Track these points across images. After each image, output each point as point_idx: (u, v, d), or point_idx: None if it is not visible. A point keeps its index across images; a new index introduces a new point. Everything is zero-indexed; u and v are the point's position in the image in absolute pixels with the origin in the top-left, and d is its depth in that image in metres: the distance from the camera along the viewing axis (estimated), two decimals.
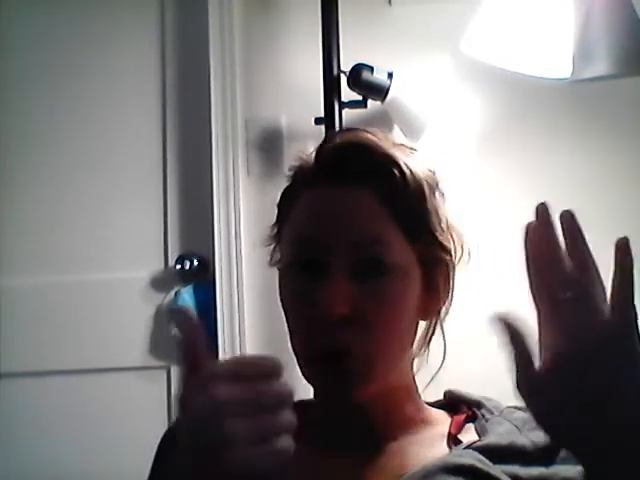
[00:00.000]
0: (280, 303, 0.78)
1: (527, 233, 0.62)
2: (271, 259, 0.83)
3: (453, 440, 0.75)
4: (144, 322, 1.60)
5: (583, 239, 0.60)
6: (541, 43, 1.26)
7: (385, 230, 0.74)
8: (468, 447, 0.72)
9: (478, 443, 0.72)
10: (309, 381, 0.76)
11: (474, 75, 1.46)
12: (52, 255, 1.65)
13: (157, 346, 1.59)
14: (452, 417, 0.80)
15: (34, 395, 1.60)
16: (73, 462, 1.56)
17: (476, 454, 0.70)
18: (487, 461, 0.69)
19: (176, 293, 1.57)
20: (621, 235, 1.55)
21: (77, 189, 1.67)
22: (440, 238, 0.77)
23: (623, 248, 0.58)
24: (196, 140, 1.63)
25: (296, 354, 0.76)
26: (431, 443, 0.76)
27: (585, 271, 0.59)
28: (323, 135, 1.43)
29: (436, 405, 0.84)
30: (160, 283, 1.62)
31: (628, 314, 0.57)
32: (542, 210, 0.62)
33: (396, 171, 0.75)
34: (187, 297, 1.56)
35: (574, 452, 0.60)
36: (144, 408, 1.56)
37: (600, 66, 1.18)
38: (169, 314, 1.55)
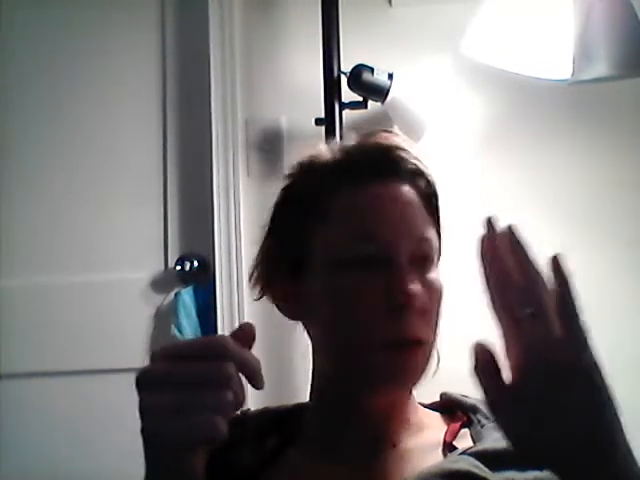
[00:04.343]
0: (324, 298, 0.76)
1: (480, 247, 0.61)
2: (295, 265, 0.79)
3: (448, 448, 0.75)
4: (144, 323, 1.60)
5: (527, 254, 0.59)
6: (541, 44, 1.26)
7: (429, 225, 0.77)
8: (463, 453, 0.71)
9: (473, 448, 0.72)
10: (366, 371, 0.73)
11: (474, 76, 1.46)
12: (52, 256, 1.65)
13: (157, 347, 1.58)
14: (447, 423, 0.80)
15: (34, 396, 1.60)
16: (73, 463, 1.56)
17: (472, 459, 0.69)
18: (483, 466, 0.68)
19: (176, 294, 1.57)
20: (621, 235, 1.54)
21: (77, 190, 1.67)
22: (441, 233, 0.81)
23: (557, 266, 0.58)
24: (196, 141, 1.63)
25: (353, 344, 0.73)
26: (428, 450, 0.75)
27: (534, 287, 0.58)
28: (323, 136, 1.43)
29: (432, 407, 0.84)
30: (160, 284, 1.61)
31: (577, 331, 0.57)
32: (489, 224, 0.61)
33: (426, 171, 0.79)
34: (187, 298, 1.56)
35: (545, 466, 0.59)
36: None
37: (600, 67, 1.18)
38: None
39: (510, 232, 0.60)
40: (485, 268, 0.61)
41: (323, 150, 0.81)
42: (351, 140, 0.81)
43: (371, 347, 0.72)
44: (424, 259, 0.75)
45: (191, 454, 0.57)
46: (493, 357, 0.60)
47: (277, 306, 0.84)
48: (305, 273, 0.78)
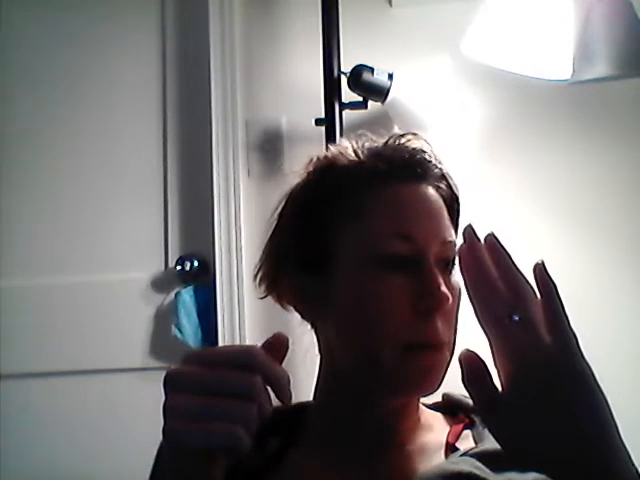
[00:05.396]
0: (350, 296, 0.74)
1: (460, 257, 0.61)
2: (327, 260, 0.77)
3: (451, 449, 0.75)
4: (144, 323, 1.60)
5: (509, 261, 0.59)
6: (541, 44, 1.27)
7: (452, 229, 0.77)
8: (465, 454, 0.71)
9: (475, 449, 0.71)
10: (390, 371, 0.72)
11: (474, 76, 1.47)
12: (53, 256, 1.65)
13: (157, 347, 1.59)
14: (450, 425, 0.80)
15: (34, 396, 1.60)
16: (73, 463, 1.56)
17: (473, 461, 0.69)
18: (484, 468, 0.68)
19: (176, 294, 1.57)
20: (622, 234, 1.53)
21: (78, 190, 1.67)
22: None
23: (541, 274, 0.58)
24: (196, 141, 1.63)
25: (379, 344, 0.72)
26: (431, 451, 0.75)
27: (518, 294, 0.58)
28: (324, 136, 1.43)
29: (433, 407, 0.84)
30: (160, 284, 1.62)
31: (565, 337, 0.57)
32: (468, 233, 0.61)
33: (449, 175, 0.79)
34: (187, 298, 1.56)
35: (541, 471, 0.58)
36: (144, 409, 1.55)
37: (600, 67, 1.18)
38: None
39: (490, 241, 0.59)
40: (467, 279, 0.61)
41: (345, 150, 0.79)
42: (371, 141, 0.79)
43: (398, 348, 0.71)
44: (447, 261, 0.74)
45: (208, 461, 0.58)
46: (482, 366, 0.59)
47: (282, 305, 0.83)
48: (326, 271, 0.76)
